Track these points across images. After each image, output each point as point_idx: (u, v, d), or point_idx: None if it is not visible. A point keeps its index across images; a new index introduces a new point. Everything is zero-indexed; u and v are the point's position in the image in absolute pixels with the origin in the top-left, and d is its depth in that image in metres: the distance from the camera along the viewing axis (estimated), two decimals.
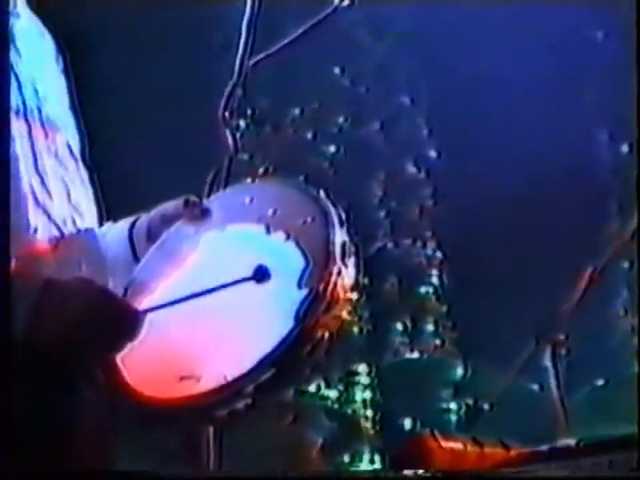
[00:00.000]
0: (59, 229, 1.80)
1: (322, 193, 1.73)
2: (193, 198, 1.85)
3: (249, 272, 1.74)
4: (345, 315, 1.77)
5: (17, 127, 1.81)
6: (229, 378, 1.62)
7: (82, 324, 1.67)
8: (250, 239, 1.75)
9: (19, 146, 1.78)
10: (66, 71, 2.00)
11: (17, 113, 1.81)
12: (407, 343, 4.37)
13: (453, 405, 3.39)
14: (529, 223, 4.53)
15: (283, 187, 1.84)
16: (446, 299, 4.47)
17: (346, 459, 4.20)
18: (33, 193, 1.78)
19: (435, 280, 4.48)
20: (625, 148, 4.47)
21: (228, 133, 3.09)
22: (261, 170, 4.51)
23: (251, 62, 2.68)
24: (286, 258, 1.68)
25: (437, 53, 4.51)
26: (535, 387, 3.56)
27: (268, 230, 1.74)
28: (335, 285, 1.65)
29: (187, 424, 1.67)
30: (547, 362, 3.50)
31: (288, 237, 1.72)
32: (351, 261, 1.69)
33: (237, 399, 1.62)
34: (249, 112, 4.24)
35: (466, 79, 4.52)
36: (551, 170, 4.50)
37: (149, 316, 1.71)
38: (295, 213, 1.73)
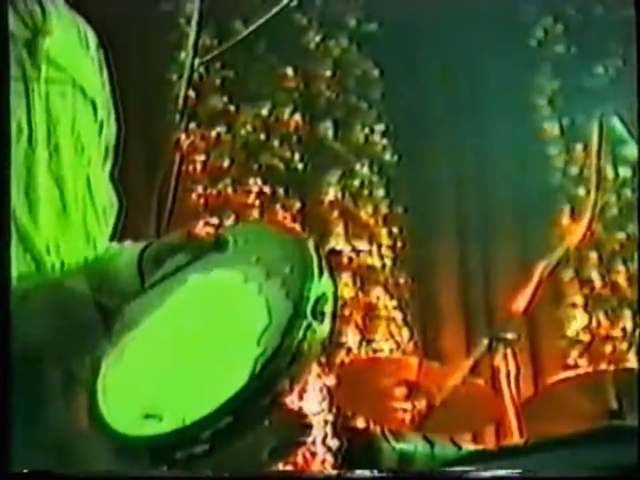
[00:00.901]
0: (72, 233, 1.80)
1: (310, 239, 1.70)
2: (195, 233, 1.84)
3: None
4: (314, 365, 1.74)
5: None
6: (187, 422, 1.59)
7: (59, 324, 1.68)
8: (228, 286, 1.76)
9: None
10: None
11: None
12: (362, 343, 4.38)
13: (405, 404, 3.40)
14: (480, 221, 4.56)
15: (270, 231, 1.82)
16: (400, 296, 4.50)
17: (299, 459, 4.20)
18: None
19: (390, 283, 4.50)
20: (579, 147, 4.52)
21: (180, 134, 3.07)
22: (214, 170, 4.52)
23: (200, 62, 2.67)
24: (253, 311, 1.67)
25: (392, 51, 4.53)
26: (487, 385, 3.58)
27: (245, 279, 1.74)
28: (303, 340, 1.63)
29: (147, 464, 1.65)
30: (499, 361, 3.52)
31: (260, 290, 1.71)
32: (327, 313, 1.67)
33: (195, 444, 1.61)
34: (201, 113, 4.24)
35: (422, 74, 4.54)
36: (507, 172, 4.54)
37: (131, 342, 1.71)
38: (276, 261, 1.71)
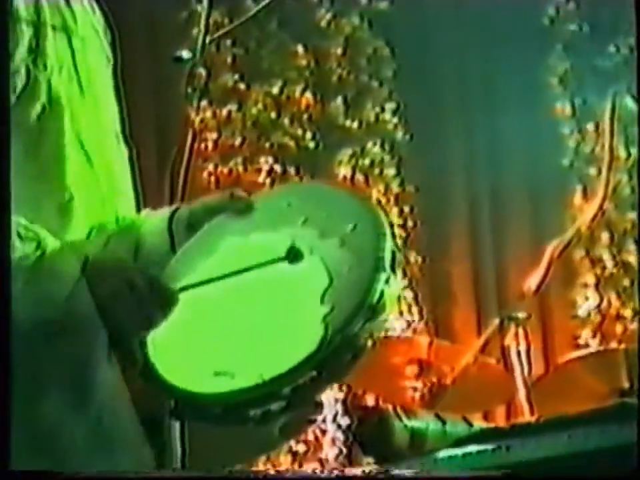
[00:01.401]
0: (98, 204, 1.77)
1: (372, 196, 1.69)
2: (239, 191, 1.80)
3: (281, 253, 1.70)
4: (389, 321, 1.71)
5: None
6: (266, 378, 1.55)
7: (118, 300, 1.64)
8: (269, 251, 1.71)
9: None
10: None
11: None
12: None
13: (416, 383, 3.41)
14: (492, 201, 4.55)
15: (326, 188, 1.74)
16: (411, 275, 4.50)
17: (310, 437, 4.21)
18: (79, 153, 1.75)
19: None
20: (590, 127, 4.51)
21: (191, 111, 3.07)
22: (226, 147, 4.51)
23: (211, 39, 2.66)
24: (308, 272, 1.63)
25: (404, 29, 4.52)
26: (498, 364, 3.58)
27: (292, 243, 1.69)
28: (383, 294, 1.59)
29: (218, 422, 1.63)
30: (510, 340, 3.52)
31: (311, 251, 1.67)
32: (399, 271, 1.63)
33: (273, 401, 1.57)
34: (212, 91, 4.22)
35: (434, 53, 4.53)
36: (518, 152, 4.53)
37: (184, 299, 1.67)
38: (332, 220, 1.65)
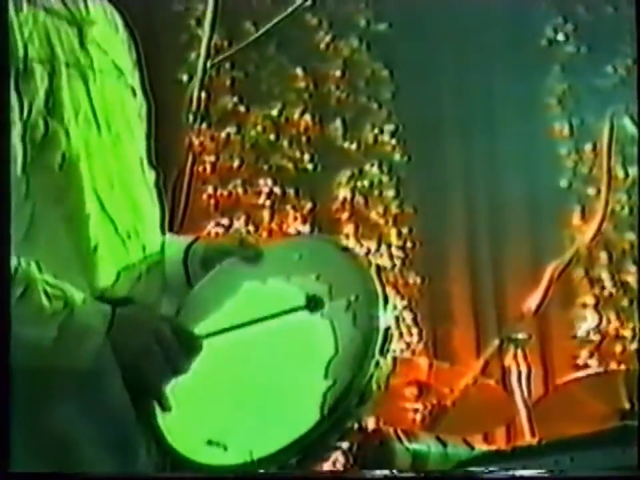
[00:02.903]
0: (123, 243, 1.75)
1: (372, 266, 1.62)
2: (249, 238, 1.81)
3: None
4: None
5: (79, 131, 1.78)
6: (255, 457, 1.56)
7: (147, 353, 1.65)
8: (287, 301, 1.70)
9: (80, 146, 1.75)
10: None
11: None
12: None
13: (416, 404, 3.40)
14: (491, 221, 4.56)
15: (333, 249, 1.71)
16: (410, 296, 4.49)
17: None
18: (100, 200, 1.72)
19: (400, 283, 4.50)
20: (588, 147, 4.51)
21: (191, 134, 3.07)
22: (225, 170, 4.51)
23: (212, 63, 2.67)
24: (319, 336, 1.61)
25: (402, 51, 4.53)
26: (498, 386, 3.57)
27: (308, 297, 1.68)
28: (372, 377, 1.58)
29: None
30: (510, 361, 3.52)
31: (323, 313, 1.66)
32: (391, 351, 1.60)
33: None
34: (212, 113, 4.23)
35: (432, 75, 4.54)
36: (517, 173, 4.53)
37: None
38: (339, 283, 1.63)
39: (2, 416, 1.59)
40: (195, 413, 1.67)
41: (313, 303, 1.68)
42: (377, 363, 1.60)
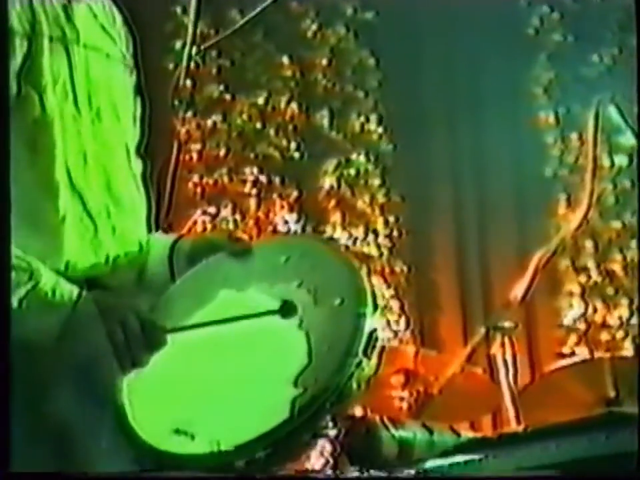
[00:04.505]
0: (91, 219, 1.74)
1: (363, 268, 1.60)
2: (238, 233, 1.82)
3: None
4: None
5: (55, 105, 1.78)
6: (222, 447, 1.55)
7: (111, 338, 1.65)
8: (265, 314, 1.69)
9: (57, 125, 1.74)
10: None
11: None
12: None
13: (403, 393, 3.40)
14: (477, 210, 4.56)
15: (322, 252, 1.70)
16: (397, 285, 4.50)
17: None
18: (69, 173, 1.73)
19: (386, 271, 4.50)
20: (574, 136, 4.52)
21: (177, 122, 3.06)
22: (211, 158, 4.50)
23: (198, 51, 2.66)
24: (290, 346, 1.61)
25: (389, 39, 4.52)
26: (484, 374, 3.58)
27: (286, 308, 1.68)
28: (351, 378, 1.57)
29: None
30: (496, 349, 3.53)
31: (300, 324, 1.65)
32: (377, 349, 1.59)
33: (227, 471, 1.57)
34: (198, 101, 4.22)
35: (418, 63, 4.53)
36: (503, 161, 4.54)
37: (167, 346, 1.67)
38: (325, 288, 1.62)
39: (2, 416, 1.58)
40: (164, 403, 1.67)
41: (287, 309, 1.68)
42: (359, 363, 1.59)
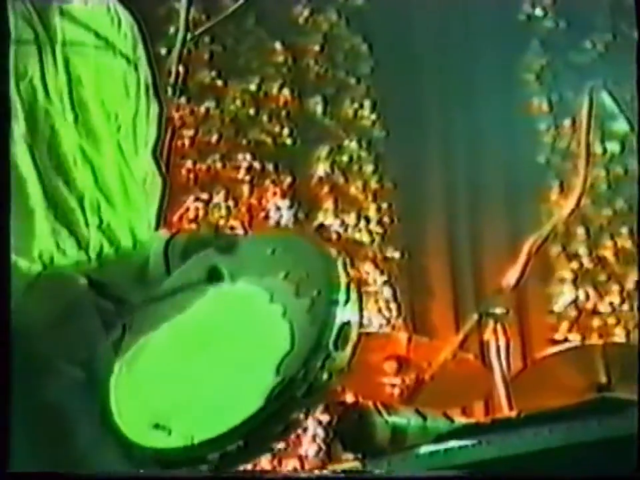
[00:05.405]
0: (74, 212, 1.76)
1: (339, 259, 1.60)
2: (224, 229, 1.84)
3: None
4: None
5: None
6: (195, 441, 1.56)
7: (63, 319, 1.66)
8: (253, 298, 1.70)
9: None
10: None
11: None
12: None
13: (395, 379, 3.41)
14: (469, 196, 4.57)
15: (302, 244, 1.71)
16: (389, 272, 4.50)
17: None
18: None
19: (379, 258, 4.50)
20: (567, 123, 4.52)
21: (170, 108, 3.06)
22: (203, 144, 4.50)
23: (191, 36, 2.66)
24: (276, 335, 1.61)
25: (381, 25, 4.52)
26: (476, 360, 3.59)
27: (271, 298, 1.68)
28: (322, 369, 1.57)
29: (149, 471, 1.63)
30: (489, 336, 3.53)
31: (285, 313, 1.65)
32: (349, 342, 1.59)
33: (201, 464, 1.58)
34: (190, 87, 4.21)
35: (411, 49, 4.53)
36: (496, 148, 4.54)
37: (147, 342, 1.69)
38: (305, 280, 1.63)
39: (2, 416, 1.59)
40: (144, 398, 1.68)
41: (215, 277, 1.70)
42: (328, 355, 1.59)
